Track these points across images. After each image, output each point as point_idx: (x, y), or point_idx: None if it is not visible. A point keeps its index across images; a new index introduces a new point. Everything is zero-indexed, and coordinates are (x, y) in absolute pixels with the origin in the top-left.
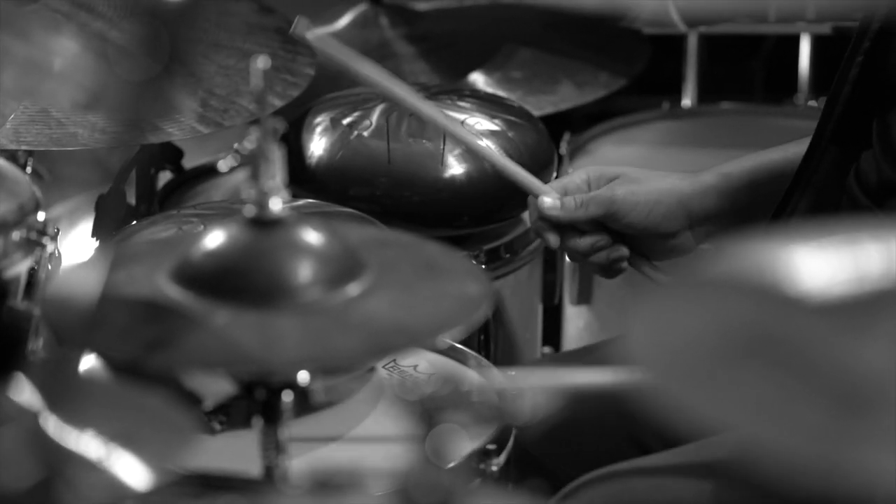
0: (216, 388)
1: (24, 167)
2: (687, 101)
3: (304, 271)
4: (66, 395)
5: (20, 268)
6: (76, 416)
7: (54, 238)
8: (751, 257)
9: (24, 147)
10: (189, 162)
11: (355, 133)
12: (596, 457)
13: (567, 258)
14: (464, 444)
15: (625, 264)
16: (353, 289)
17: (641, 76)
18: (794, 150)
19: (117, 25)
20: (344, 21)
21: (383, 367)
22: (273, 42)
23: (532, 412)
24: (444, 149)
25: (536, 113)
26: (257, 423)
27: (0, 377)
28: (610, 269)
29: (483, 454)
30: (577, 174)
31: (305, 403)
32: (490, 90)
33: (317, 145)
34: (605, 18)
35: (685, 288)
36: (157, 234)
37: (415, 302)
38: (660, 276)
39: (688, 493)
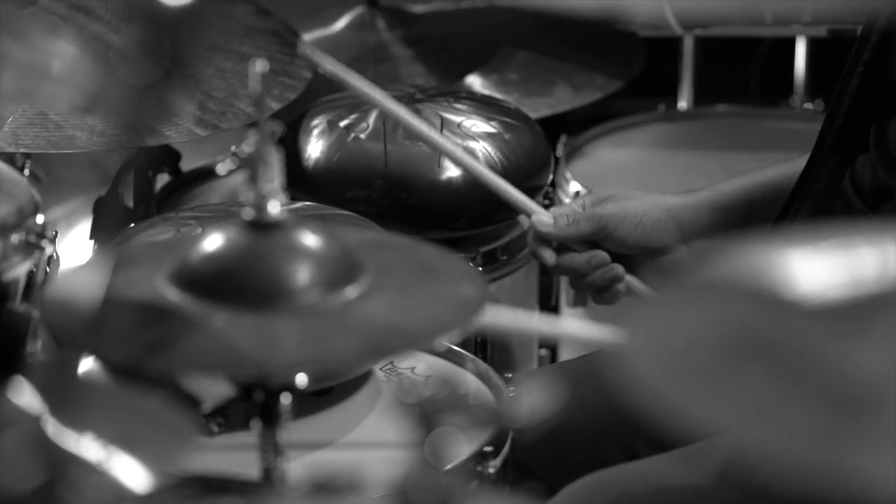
0: (215, 390)
1: (21, 170)
2: (683, 104)
3: (302, 274)
4: (65, 397)
5: (19, 270)
6: (75, 419)
7: (53, 241)
8: (748, 261)
9: (22, 150)
10: (187, 164)
11: (352, 135)
12: (590, 462)
13: (564, 281)
14: (461, 446)
15: (622, 286)
16: (351, 291)
17: (638, 78)
18: (789, 168)
19: (118, 29)
20: (341, 23)
21: (381, 369)
22: (270, 45)
23: (529, 415)
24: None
25: (533, 115)
26: (256, 425)
27: (0, 380)
28: (606, 291)
29: (480, 457)
30: (574, 202)
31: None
32: (487, 92)
33: (314, 148)
34: (601, 21)
35: (683, 291)
36: (155, 237)
37: (412, 304)
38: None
39: (684, 495)
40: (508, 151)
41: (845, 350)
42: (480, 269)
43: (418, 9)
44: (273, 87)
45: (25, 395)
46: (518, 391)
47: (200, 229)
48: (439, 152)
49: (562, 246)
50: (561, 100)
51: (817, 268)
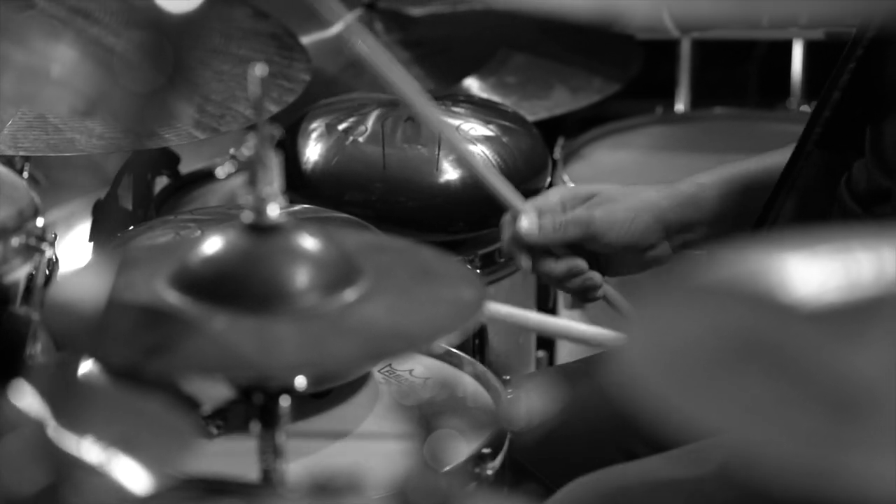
0: (214, 392)
1: (21, 173)
2: (680, 106)
3: (301, 277)
4: (65, 400)
5: (19, 273)
6: (76, 422)
7: (53, 244)
8: (744, 264)
9: (21, 153)
10: (186, 167)
11: (351, 139)
12: (588, 463)
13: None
14: (460, 448)
15: (599, 292)
16: (350, 294)
17: (635, 81)
18: (771, 161)
19: (118, 33)
20: (339, 26)
21: (380, 371)
22: (268, 47)
23: (527, 417)
24: (439, 154)
25: (530, 118)
26: (255, 427)
27: (0, 383)
28: (582, 296)
29: (479, 458)
30: (550, 194)
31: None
32: (484, 95)
33: (312, 151)
34: (598, 24)
35: (679, 294)
36: (155, 240)
37: (410, 307)
38: (626, 308)
39: (682, 496)
40: (506, 154)
41: (842, 353)
42: (478, 271)
43: (416, 12)
44: (271, 90)
45: (26, 398)
46: (516, 393)
47: (199, 232)
48: (460, 156)
49: (540, 248)
50: (558, 102)
51: (814, 271)
